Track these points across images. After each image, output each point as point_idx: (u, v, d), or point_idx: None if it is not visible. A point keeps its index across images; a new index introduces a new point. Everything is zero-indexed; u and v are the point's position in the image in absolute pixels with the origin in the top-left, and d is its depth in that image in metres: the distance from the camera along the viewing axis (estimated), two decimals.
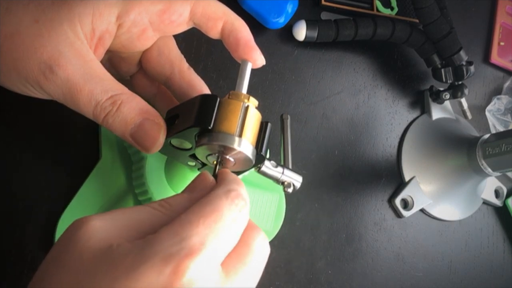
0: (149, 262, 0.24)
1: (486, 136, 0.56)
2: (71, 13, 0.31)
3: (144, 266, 0.24)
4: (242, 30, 0.35)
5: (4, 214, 0.40)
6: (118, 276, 0.24)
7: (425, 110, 0.63)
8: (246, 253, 0.28)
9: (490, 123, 0.65)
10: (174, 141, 0.34)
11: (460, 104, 0.62)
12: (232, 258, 0.27)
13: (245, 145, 0.32)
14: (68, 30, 0.30)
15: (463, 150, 0.58)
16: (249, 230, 0.29)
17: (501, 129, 0.65)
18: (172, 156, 0.36)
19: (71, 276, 0.25)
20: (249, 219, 0.29)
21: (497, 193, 0.65)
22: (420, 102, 0.63)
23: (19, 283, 0.40)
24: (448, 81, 0.59)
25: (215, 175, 0.32)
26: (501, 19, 0.71)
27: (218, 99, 0.32)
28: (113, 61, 0.38)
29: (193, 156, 0.35)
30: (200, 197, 0.29)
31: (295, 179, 0.37)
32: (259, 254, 0.29)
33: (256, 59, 0.35)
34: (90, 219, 0.26)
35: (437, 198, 0.60)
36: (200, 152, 0.34)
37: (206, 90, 0.38)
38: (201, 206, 0.27)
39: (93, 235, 0.25)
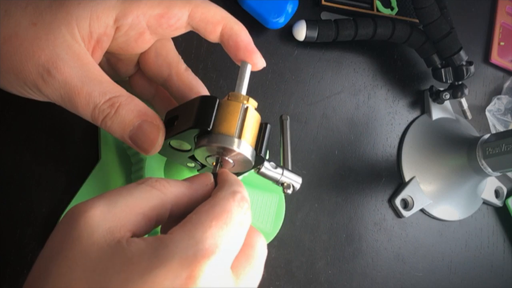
0: (166, 265, 0.24)
1: (486, 136, 0.56)
2: (68, 16, 0.31)
3: (160, 269, 0.24)
4: (241, 34, 0.35)
5: (4, 214, 0.40)
6: (132, 277, 0.24)
7: (425, 110, 0.63)
8: (252, 255, 0.29)
9: (490, 123, 0.65)
10: (174, 143, 0.34)
11: (460, 104, 0.62)
12: (241, 260, 0.28)
13: (244, 147, 0.32)
14: (65, 33, 0.30)
15: (463, 150, 0.58)
16: (252, 232, 0.29)
17: (501, 129, 0.65)
18: (172, 157, 0.36)
19: (81, 276, 0.24)
20: None
21: (497, 193, 0.65)
22: (420, 102, 0.63)
23: (19, 283, 0.40)
24: (448, 81, 0.59)
25: (215, 175, 0.32)
26: (501, 19, 0.70)
27: (218, 100, 0.32)
28: (111, 63, 0.38)
29: (193, 158, 0.35)
30: (199, 190, 0.30)
31: (295, 180, 0.37)
32: (262, 255, 0.30)
33: (256, 62, 0.35)
34: (89, 208, 0.26)
35: (437, 198, 0.60)
36: (200, 154, 0.34)
37: (204, 91, 0.38)
38: (210, 206, 0.27)
39: (96, 228, 0.25)
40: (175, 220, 0.28)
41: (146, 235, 0.28)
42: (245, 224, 0.28)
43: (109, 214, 0.26)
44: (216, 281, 0.25)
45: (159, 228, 0.31)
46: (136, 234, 0.27)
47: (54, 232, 0.26)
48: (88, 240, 0.25)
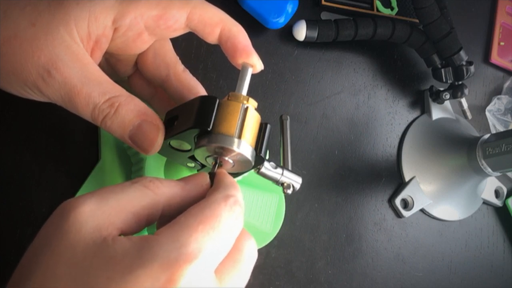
0: (147, 267, 0.24)
1: (486, 136, 0.56)
2: (67, 17, 0.31)
3: (141, 271, 0.24)
4: (240, 36, 0.34)
5: (4, 214, 0.40)
6: (113, 276, 0.24)
7: (425, 110, 0.63)
8: (239, 259, 0.29)
9: (490, 123, 0.65)
10: (174, 143, 0.34)
11: (460, 104, 0.62)
12: (226, 265, 0.28)
13: (244, 147, 0.32)
14: (64, 34, 0.30)
15: (463, 150, 0.58)
16: (241, 236, 0.29)
17: (501, 129, 0.65)
18: (172, 157, 0.36)
19: (65, 270, 0.24)
20: None
21: (497, 193, 0.65)
22: (420, 102, 0.63)
23: None
24: (448, 81, 0.59)
25: (212, 175, 0.32)
26: (501, 19, 0.70)
27: (218, 101, 0.32)
28: (110, 63, 0.38)
29: (192, 158, 0.35)
30: (193, 191, 0.30)
31: (295, 180, 0.37)
32: (250, 260, 0.29)
33: (254, 64, 0.35)
34: (79, 204, 0.26)
35: (437, 198, 0.60)
36: (199, 154, 0.34)
37: (202, 91, 0.38)
38: (199, 209, 0.27)
39: (84, 224, 0.25)
40: (168, 219, 0.28)
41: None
42: (235, 229, 0.28)
43: (99, 211, 0.26)
44: (197, 285, 0.25)
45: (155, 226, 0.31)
46: (125, 233, 0.27)
47: (45, 225, 0.27)
48: (75, 236, 0.25)
